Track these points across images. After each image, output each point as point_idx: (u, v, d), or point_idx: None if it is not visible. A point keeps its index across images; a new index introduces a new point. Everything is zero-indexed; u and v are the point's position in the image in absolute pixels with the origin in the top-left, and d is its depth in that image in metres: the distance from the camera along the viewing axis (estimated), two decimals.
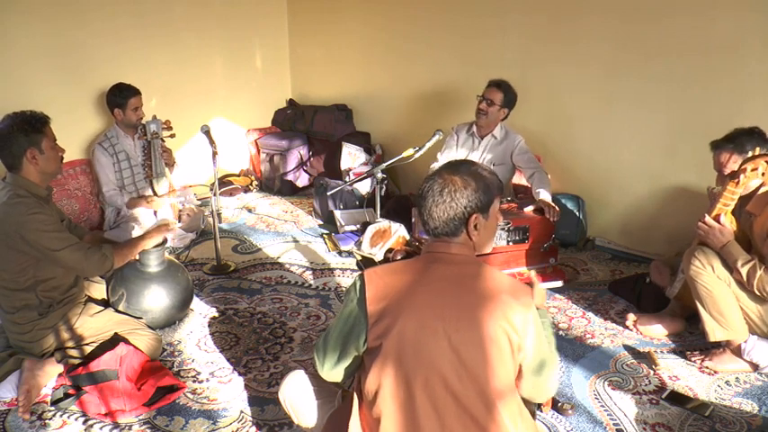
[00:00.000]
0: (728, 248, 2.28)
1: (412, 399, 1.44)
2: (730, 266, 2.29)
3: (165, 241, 2.76)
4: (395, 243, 3.50)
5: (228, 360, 2.54)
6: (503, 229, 3.13)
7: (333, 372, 1.63)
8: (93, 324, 2.44)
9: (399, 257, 3.26)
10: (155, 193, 3.83)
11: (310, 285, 3.27)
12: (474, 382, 1.42)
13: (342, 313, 1.56)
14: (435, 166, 3.71)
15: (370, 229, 3.57)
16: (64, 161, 2.43)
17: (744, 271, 2.23)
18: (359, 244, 3.60)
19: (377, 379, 1.47)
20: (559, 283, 2.25)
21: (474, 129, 3.60)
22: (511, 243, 3.16)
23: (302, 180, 5.08)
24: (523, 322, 1.45)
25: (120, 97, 3.72)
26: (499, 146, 3.54)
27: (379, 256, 3.45)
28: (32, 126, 2.25)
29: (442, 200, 1.51)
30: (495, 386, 1.43)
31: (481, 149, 3.58)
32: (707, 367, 2.44)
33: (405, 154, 3.49)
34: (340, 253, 3.70)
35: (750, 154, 2.29)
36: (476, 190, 1.52)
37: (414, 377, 1.43)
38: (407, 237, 3.55)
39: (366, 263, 3.43)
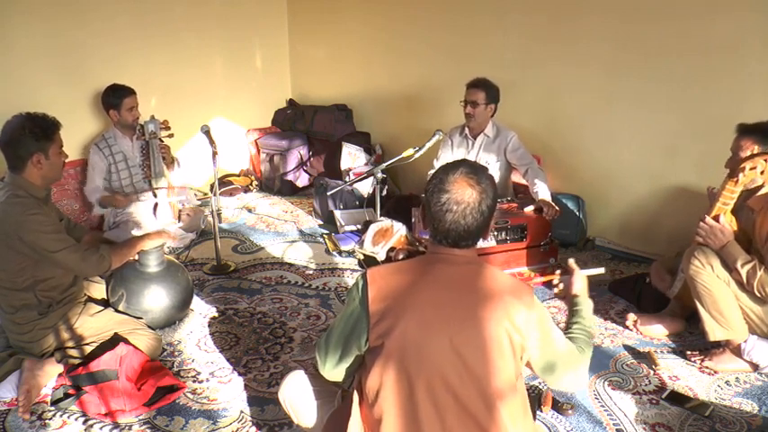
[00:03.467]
0: (728, 249, 2.28)
1: (413, 398, 1.44)
2: (730, 266, 2.28)
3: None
4: (397, 242, 3.49)
5: (228, 360, 2.54)
6: (501, 228, 3.13)
7: (334, 371, 1.63)
8: (93, 324, 2.44)
9: (402, 256, 3.25)
10: (154, 194, 3.83)
11: (310, 285, 3.27)
12: (475, 382, 1.42)
13: (344, 313, 1.56)
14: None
15: (372, 228, 3.56)
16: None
17: (744, 272, 2.22)
18: (361, 243, 3.59)
19: (378, 378, 1.47)
20: (602, 270, 2.14)
21: (466, 130, 3.61)
22: (509, 242, 3.16)
23: (302, 180, 5.08)
24: (526, 323, 1.45)
25: (115, 98, 3.72)
26: (492, 144, 3.55)
27: (381, 255, 3.45)
28: (44, 131, 2.25)
29: (475, 217, 1.46)
30: (496, 387, 1.43)
31: (476, 150, 3.58)
32: (707, 367, 2.44)
33: (405, 154, 3.49)
34: (340, 253, 3.70)
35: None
36: (493, 195, 1.50)
37: (415, 377, 1.43)
38: (409, 236, 3.55)
39: (368, 262, 3.42)
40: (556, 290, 1.95)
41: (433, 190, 1.49)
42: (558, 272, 2.06)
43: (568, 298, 1.84)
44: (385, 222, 3.57)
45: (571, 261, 1.89)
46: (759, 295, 2.23)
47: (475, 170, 1.50)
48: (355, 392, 1.59)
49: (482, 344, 1.42)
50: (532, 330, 1.47)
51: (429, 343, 1.42)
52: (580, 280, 1.84)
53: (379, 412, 1.48)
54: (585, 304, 1.78)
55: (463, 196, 1.46)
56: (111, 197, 3.72)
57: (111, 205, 3.71)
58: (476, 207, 1.46)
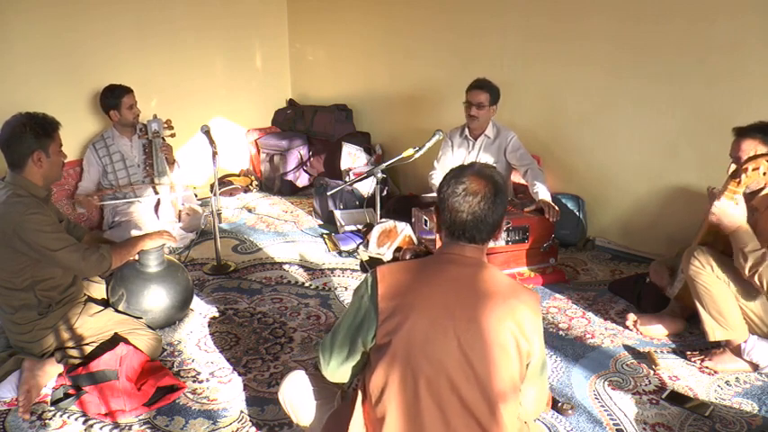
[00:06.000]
0: (740, 232, 2.19)
1: (417, 397, 1.44)
2: (735, 251, 2.20)
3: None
4: (402, 242, 3.49)
5: (228, 360, 2.54)
6: (503, 229, 3.13)
7: (340, 370, 1.62)
8: (93, 324, 2.44)
9: (408, 256, 3.25)
10: (155, 192, 3.83)
11: (310, 285, 3.26)
12: (479, 383, 1.42)
13: (351, 309, 1.57)
14: (434, 174, 3.71)
15: (377, 229, 3.55)
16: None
17: (752, 257, 2.15)
18: (366, 244, 3.58)
19: (383, 377, 1.47)
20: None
21: (467, 131, 3.61)
22: (510, 243, 3.16)
23: (302, 180, 5.08)
24: (532, 328, 1.46)
25: (113, 98, 3.73)
26: (493, 144, 3.55)
27: (387, 256, 3.44)
28: (44, 129, 2.26)
29: (490, 207, 1.50)
30: (499, 388, 1.43)
31: (476, 151, 3.58)
32: (707, 367, 2.44)
33: (405, 154, 3.49)
34: (340, 253, 3.70)
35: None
36: (504, 189, 1.57)
37: (420, 376, 1.43)
38: (414, 236, 3.54)
39: (372, 263, 3.42)
40: None
41: (449, 183, 1.54)
42: None
43: None
44: (388, 223, 3.57)
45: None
46: (758, 284, 2.16)
47: (486, 167, 1.59)
48: (359, 391, 1.59)
49: (487, 346, 1.42)
50: (536, 336, 1.48)
51: (436, 342, 1.43)
52: None
53: (382, 411, 1.48)
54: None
55: (479, 187, 1.51)
56: (82, 196, 3.70)
57: (81, 205, 3.70)
58: (491, 198, 1.51)
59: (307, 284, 3.28)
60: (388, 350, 1.46)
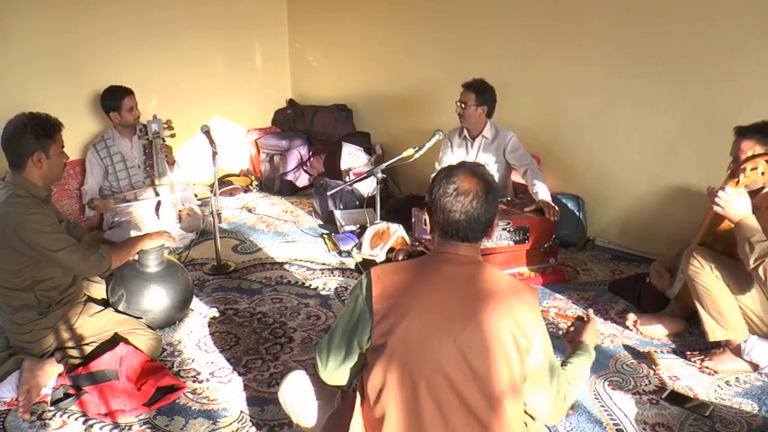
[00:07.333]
0: (747, 222, 2.15)
1: (416, 397, 1.44)
2: (740, 241, 2.15)
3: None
4: (395, 243, 3.50)
5: (228, 360, 2.54)
6: (503, 229, 3.13)
7: (337, 372, 1.62)
8: (93, 324, 2.44)
9: (401, 257, 3.25)
10: (156, 193, 3.83)
11: (310, 285, 3.26)
12: (478, 382, 1.42)
13: (346, 310, 1.57)
14: None
15: (370, 231, 3.57)
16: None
17: (758, 247, 2.10)
18: (359, 246, 3.59)
19: (381, 377, 1.47)
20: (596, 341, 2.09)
21: (465, 132, 3.61)
22: (511, 243, 3.16)
23: (302, 180, 5.08)
24: (531, 324, 1.46)
25: (114, 100, 3.73)
26: (491, 145, 3.55)
27: (380, 257, 3.45)
28: (45, 130, 2.27)
29: (483, 206, 1.50)
30: (500, 387, 1.43)
31: (475, 151, 3.59)
32: (707, 367, 2.44)
33: (405, 154, 3.49)
34: (340, 253, 3.70)
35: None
36: (495, 187, 1.56)
37: (418, 376, 1.43)
38: (407, 237, 3.55)
39: (365, 265, 3.42)
40: (566, 330, 2.02)
41: (440, 183, 1.53)
42: (577, 314, 2.10)
43: (575, 342, 1.88)
44: (381, 225, 3.58)
45: (591, 311, 1.99)
46: (761, 276, 2.10)
47: (476, 165, 1.58)
48: (357, 392, 1.59)
49: (485, 344, 1.42)
50: (536, 331, 1.47)
51: (432, 342, 1.43)
52: (592, 331, 1.90)
53: (381, 411, 1.48)
54: (588, 352, 1.80)
55: (470, 186, 1.50)
56: (99, 200, 3.72)
57: (97, 208, 3.71)
58: (482, 196, 1.50)
59: (307, 284, 3.28)
60: (384, 351, 1.46)
